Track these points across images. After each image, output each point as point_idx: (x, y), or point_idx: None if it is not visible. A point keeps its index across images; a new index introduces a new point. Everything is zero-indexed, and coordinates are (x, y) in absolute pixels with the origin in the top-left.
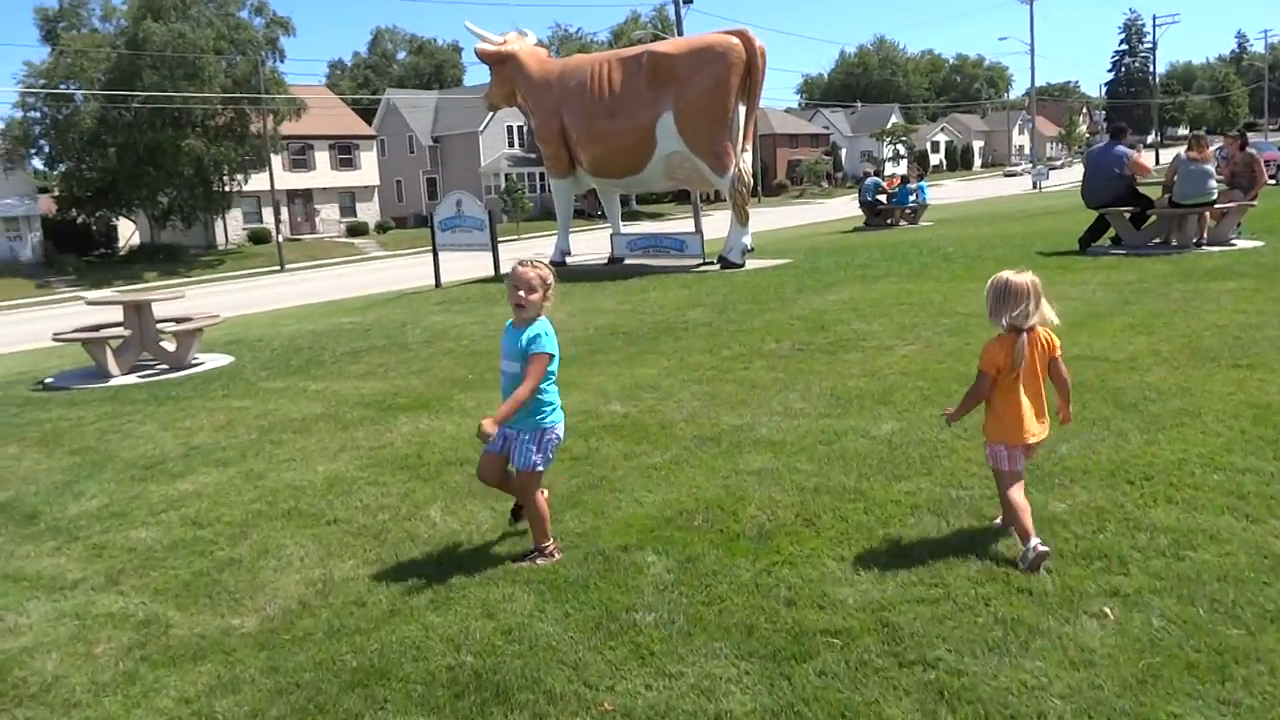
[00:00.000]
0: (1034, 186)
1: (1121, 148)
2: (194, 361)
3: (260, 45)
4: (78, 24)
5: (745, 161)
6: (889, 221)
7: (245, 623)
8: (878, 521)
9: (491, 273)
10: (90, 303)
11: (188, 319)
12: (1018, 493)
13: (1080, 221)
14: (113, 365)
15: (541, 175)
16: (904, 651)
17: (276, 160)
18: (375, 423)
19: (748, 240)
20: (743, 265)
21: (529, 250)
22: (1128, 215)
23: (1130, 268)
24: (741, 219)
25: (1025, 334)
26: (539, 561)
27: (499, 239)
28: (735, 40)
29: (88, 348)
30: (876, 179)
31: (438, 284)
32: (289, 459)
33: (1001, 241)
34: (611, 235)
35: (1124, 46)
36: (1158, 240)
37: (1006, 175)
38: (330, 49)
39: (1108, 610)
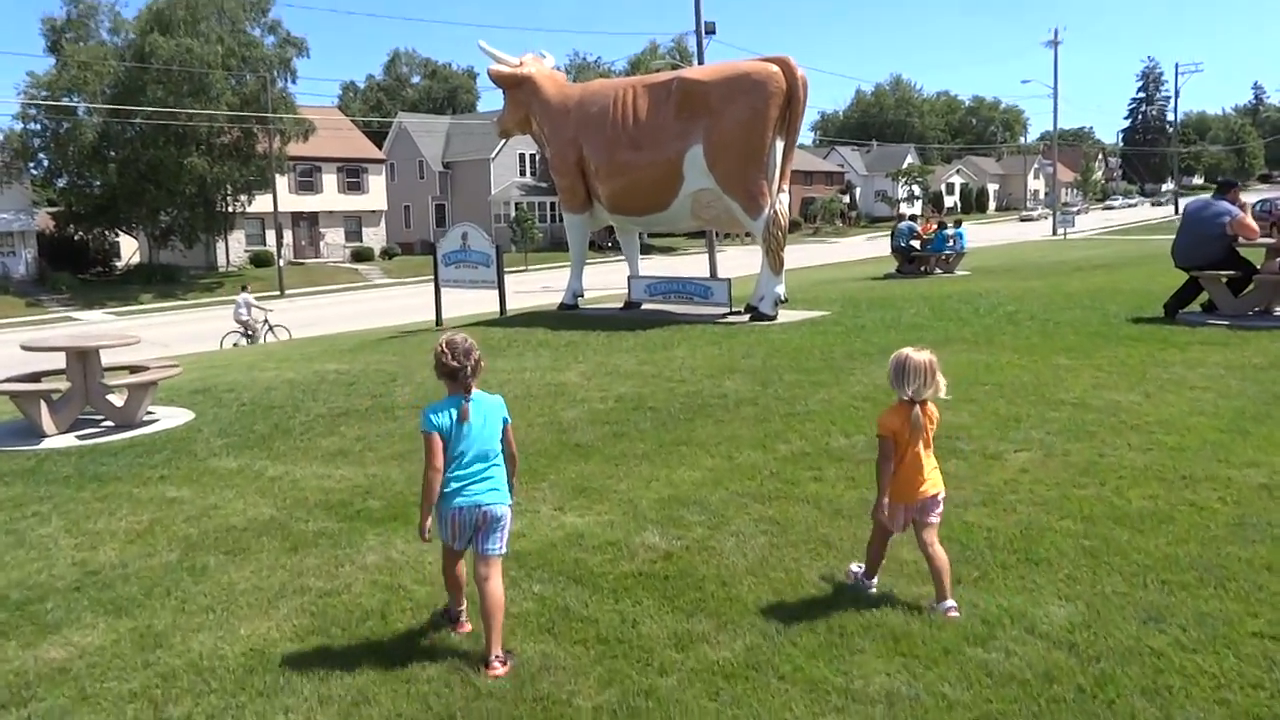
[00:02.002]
0: (1056, 232)
1: (1225, 204)
2: (146, 418)
3: (272, 64)
4: (85, 35)
5: (782, 203)
6: (923, 269)
7: None
8: None
9: (497, 312)
10: (26, 348)
11: (142, 368)
12: (883, 547)
13: (1137, 276)
14: (48, 423)
15: (553, 205)
16: None
17: (282, 181)
18: (334, 543)
19: (781, 290)
20: (775, 318)
21: (537, 283)
22: (1224, 280)
23: (1248, 345)
24: (775, 266)
25: (919, 405)
26: (508, 665)
27: (507, 270)
28: (774, 69)
29: (18, 402)
30: (911, 223)
31: (439, 323)
32: (206, 607)
33: (1065, 299)
34: (629, 278)
35: (1141, 94)
36: (1258, 309)
37: (1023, 220)
38: (348, 70)
39: None
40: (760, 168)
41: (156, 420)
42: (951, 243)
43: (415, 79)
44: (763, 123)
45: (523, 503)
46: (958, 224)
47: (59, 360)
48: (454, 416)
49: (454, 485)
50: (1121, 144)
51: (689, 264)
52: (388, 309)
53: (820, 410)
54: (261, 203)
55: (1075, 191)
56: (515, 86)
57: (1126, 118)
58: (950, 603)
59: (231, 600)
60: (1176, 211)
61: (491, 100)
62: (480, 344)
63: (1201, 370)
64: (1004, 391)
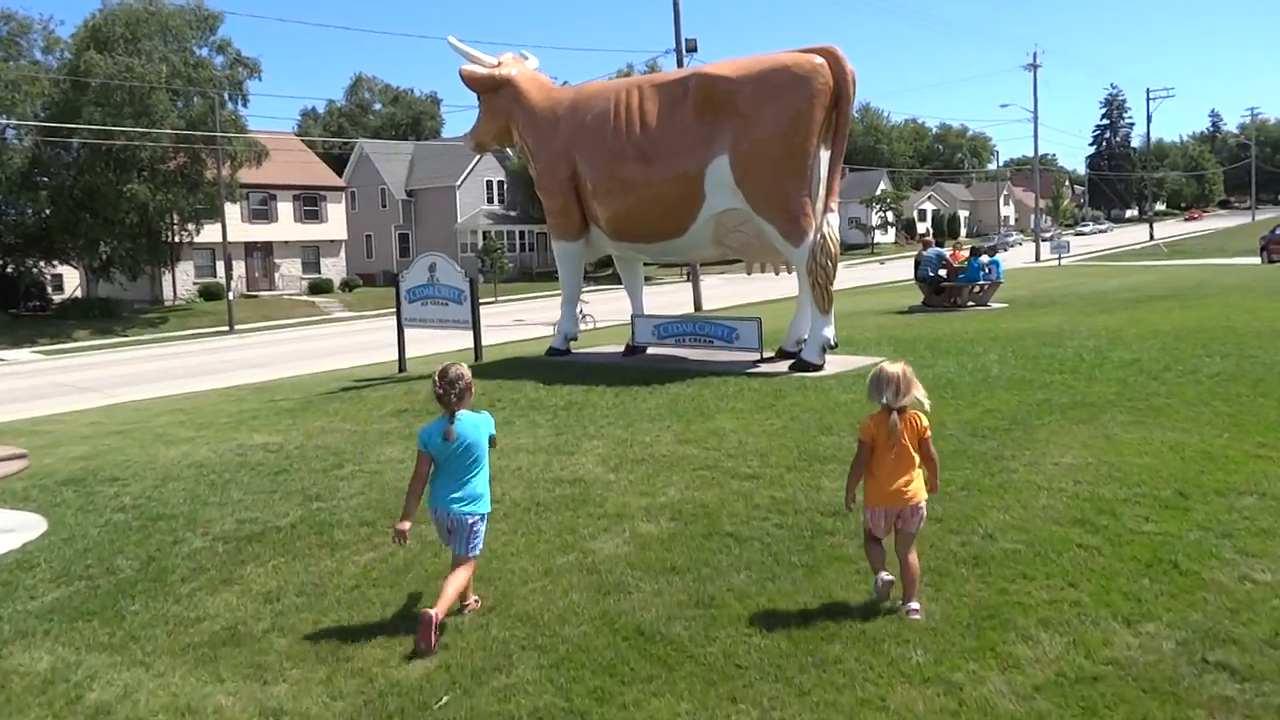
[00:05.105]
0: (1039, 258)
1: None
2: None
3: (221, 85)
4: (16, 54)
5: (830, 225)
6: (954, 301)
7: None
8: None
9: (471, 354)
10: None
11: None
12: (878, 548)
13: (1230, 310)
14: None
15: (523, 234)
16: None
17: (234, 210)
18: None
19: (830, 333)
20: (822, 367)
21: (509, 316)
22: None
23: None
24: (823, 304)
25: (897, 413)
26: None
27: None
28: (819, 60)
29: None
30: (939, 250)
31: (401, 368)
32: None
33: (1175, 342)
34: (634, 317)
35: (1105, 121)
36: None
37: (999, 246)
38: (308, 98)
39: None
40: (802, 182)
41: None
42: (987, 272)
43: (377, 105)
44: (805, 126)
45: None
46: (992, 251)
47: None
48: (441, 435)
49: (438, 492)
50: (1088, 170)
51: (665, 296)
52: (347, 346)
53: (1018, 548)
54: (211, 232)
55: (1046, 218)
56: (492, 91)
57: (1091, 144)
58: (915, 605)
59: None
60: (1153, 238)
61: (456, 125)
62: None
63: None
64: None
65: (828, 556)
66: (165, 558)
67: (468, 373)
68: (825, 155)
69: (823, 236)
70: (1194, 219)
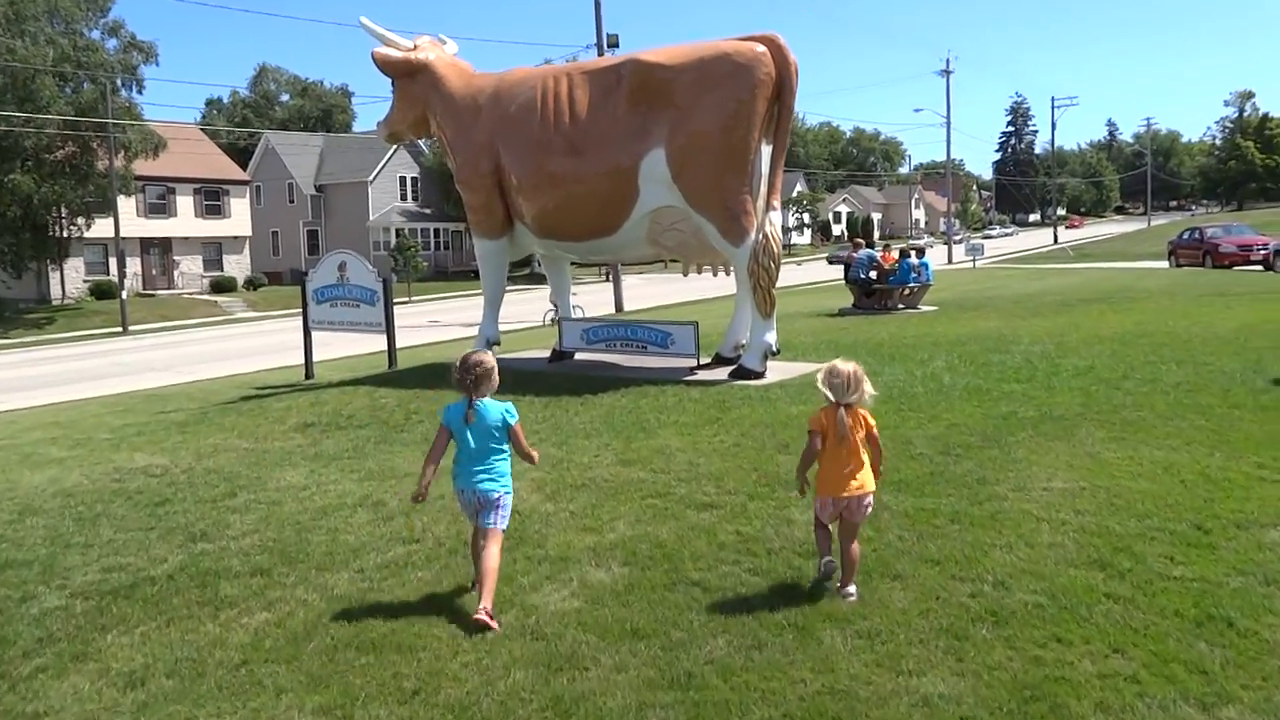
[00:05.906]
0: (950, 261)
1: None
2: None
3: (113, 70)
4: None
5: (773, 224)
6: (886, 304)
7: None
8: None
9: (386, 358)
10: None
11: None
12: (825, 533)
13: (1166, 314)
14: None
15: (437, 232)
16: None
17: (129, 203)
18: None
19: (772, 339)
20: (763, 375)
21: (423, 316)
22: None
23: None
24: (764, 307)
25: (844, 409)
26: (494, 620)
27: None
28: (761, 48)
29: None
30: (870, 252)
31: (308, 375)
32: None
33: (1125, 349)
34: (560, 320)
35: (1010, 128)
36: None
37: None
38: (210, 89)
39: None
40: (743, 178)
41: None
42: (917, 274)
43: (284, 97)
44: (747, 119)
45: None
46: (921, 253)
47: None
48: (461, 417)
49: (459, 471)
50: (994, 175)
51: (584, 296)
52: (252, 348)
53: (1040, 601)
54: (104, 227)
55: (954, 222)
56: (407, 76)
57: (997, 150)
58: (851, 589)
59: None
60: (1057, 241)
61: (367, 119)
62: (368, 415)
63: None
64: None
65: (819, 615)
66: (8, 623)
67: (488, 359)
68: (767, 150)
69: (765, 236)
70: (1073, 226)
